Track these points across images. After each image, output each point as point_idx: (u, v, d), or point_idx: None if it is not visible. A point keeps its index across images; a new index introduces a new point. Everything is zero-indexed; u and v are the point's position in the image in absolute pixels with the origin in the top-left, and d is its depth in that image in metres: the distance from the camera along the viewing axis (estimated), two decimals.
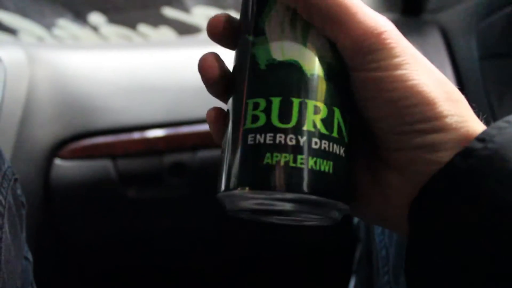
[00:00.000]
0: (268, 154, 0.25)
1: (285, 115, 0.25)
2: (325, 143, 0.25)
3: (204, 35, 1.37)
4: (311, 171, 0.25)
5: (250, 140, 0.26)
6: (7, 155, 0.73)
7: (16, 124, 0.77)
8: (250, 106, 0.26)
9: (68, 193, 0.80)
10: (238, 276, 0.97)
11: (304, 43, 0.26)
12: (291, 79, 0.26)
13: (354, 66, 0.26)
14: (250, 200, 0.26)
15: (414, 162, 0.26)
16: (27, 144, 0.77)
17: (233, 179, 0.26)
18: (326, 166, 0.25)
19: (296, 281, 0.98)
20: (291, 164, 0.25)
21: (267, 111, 0.25)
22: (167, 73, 0.84)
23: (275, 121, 0.25)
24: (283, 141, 0.25)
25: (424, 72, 0.26)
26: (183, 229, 0.88)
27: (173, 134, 0.80)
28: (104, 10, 1.37)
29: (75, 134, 0.80)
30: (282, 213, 0.26)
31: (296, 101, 0.25)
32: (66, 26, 1.37)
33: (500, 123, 0.25)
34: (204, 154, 0.80)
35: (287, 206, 0.25)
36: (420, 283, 0.26)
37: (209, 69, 0.28)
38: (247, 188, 0.25)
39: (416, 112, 0.25)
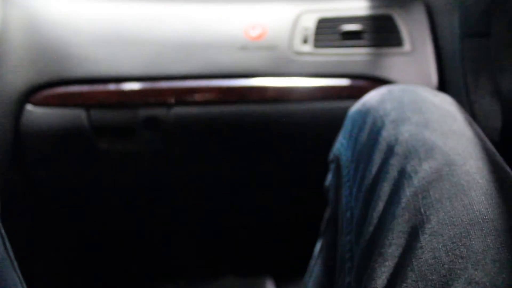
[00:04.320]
0: None
1: None
2: None
3: None
4: None
5: None
6: None
7: None
8: None
9: (39, 140, 0.79)
10: (210, 232, 0.98)
11: None
12: None
13: None
14: None
15: None
16: None
17: None
18: None
19: (271, 244, 1.00)
20: None
21: None
22: (148, 27, 0.82)
23: None
24: None
25: None
26: (152, 183, 0.88)
27: (149, 88, 0.79)
28: None
29: (49, 81, 0.78)
30: None
31: None
32: None
33: None
34: (179, 110, 0.80)
35: None
36: None
37: None
38: None
39: None
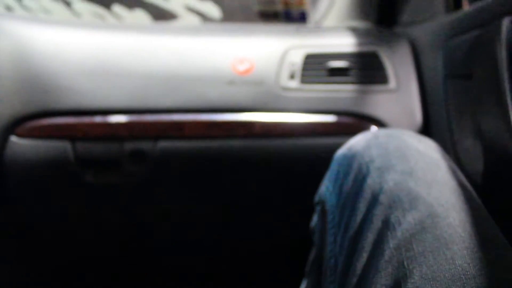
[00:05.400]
0: None
1: None
2: None
3: (178, 22, 1.36)
4: None
5: None
6: None
7: None
8: None
9: (23, 171, 0.78)
10: (195, 265, 0.97)
11: None
12: None
13: None
14: None
15: None
16: None
17: None
18: None
19: (256, 275, 0.99)
20: None
21: None
22: (135, 59, 0.83)
23: None
24: None
25: None
26: (137, 216, 0.87)
27: (135, 121, 0.79)
28: None
29: (35, 112, 0.78)
30: None
31: None
32: None
33: None
34: (165, 144, 0.80)
35: None
36: None
37: None
38: None
39: None
